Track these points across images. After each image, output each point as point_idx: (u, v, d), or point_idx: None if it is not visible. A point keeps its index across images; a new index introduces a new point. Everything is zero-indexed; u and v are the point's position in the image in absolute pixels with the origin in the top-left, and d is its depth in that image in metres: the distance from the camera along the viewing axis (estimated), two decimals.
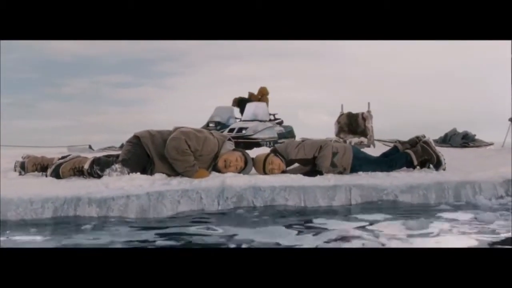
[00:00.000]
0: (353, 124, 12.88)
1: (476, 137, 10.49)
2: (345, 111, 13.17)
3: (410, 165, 4.47)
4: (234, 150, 4.14)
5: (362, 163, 4.32)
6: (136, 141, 4.01)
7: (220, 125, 12.58)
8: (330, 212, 3.39)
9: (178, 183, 3.63)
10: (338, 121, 13.04)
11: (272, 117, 13.19)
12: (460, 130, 10.76)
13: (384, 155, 4.61)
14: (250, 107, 12.24)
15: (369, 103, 13.23)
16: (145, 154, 3.95)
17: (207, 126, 12.52)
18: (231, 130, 11.40)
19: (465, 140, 10.11)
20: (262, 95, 13.80)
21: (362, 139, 12.14)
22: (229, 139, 4.21)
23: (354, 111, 13.09)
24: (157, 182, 3.67)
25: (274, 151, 4.29)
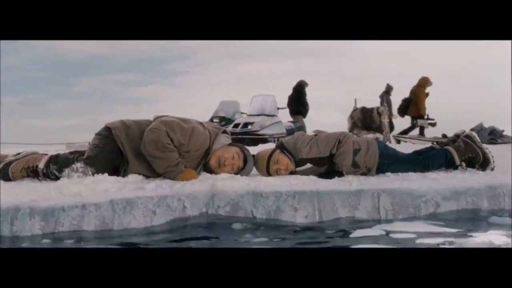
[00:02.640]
0: (367, 120, 11.98)
1: (504, 133, 9.56)
2: (358, 106, 12.29)
3: (450, 164, 3.60)
4: (230, 145, 3.30)
5: (390, 161, 3.45)
6: (107, 134, 3.19)
7: (225, 121, 11.72)
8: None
9: (154, 187, 2.80)
10: (352, 116, 12.16)
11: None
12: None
13: (418, 152, 3.74)
14: (256, 100, 11.35)
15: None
16: (117, 150, 3.13)
17: (211, 121, 11.68)
18: (236, 125, 10.55)
19: (493, 136, 9.18)
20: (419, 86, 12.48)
21: (378, 135, 11.23)
22: (224, 131, 3.37)
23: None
24: (129, 186, 2.84)
25: (281, 147, 3.43)
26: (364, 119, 11.99)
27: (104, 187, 2.75)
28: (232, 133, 10.02)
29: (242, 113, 12.29)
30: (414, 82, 12.43)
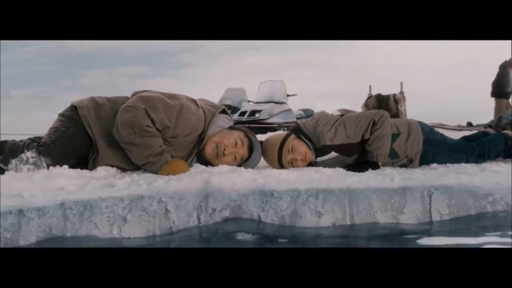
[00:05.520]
0: (383, 108, 11.11)
1: None
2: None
3: (511, 153, 2.84)
4: (231, 128, 2.56)
5: (437, 149, 2.70)
6: (71, 114, 2.47)
7: (231, 109, 10.94)
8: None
9: (127, 184, 2.07)
10: (366, 104, 11.33)
11: None
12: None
13: (468, 138, 2.98)
14: (264, 86, 10.55)
15: (401, 83, 11.56)
16: (83, 135, 2.40)
17: None
18: (243, 114, 9.78)
19: None
20: None
21: None
22: (223, 111, 2.63)
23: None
24: (94, 182, 2.11)
25: (297, 131, 2.69)
26: (380, 107, 11.15)
27: (59, 185, 2.04)
28: (238, 122, 9.30)
29: (249, 101, 11.51)
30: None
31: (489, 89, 8.37)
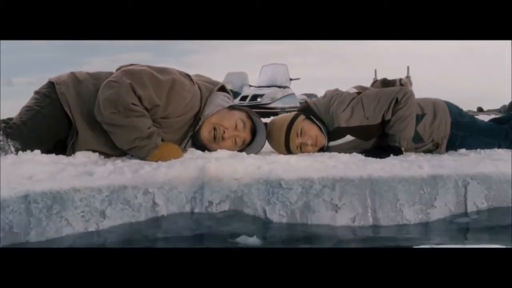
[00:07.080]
0: None
1: None
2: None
3: None
4: (231, 108, 2.24)
5: (467, 133, 2.39)
6: (48, 91, 2.16)
7: (232, 94, 10.64)
8: None
9: (108, 172, 1.75)
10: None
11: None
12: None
13: (498, 120, 2.66)
14: (267, 69, 10.19)
15: (408, 67, 11.23)
16: (61, 114, 2.09)
17: None
18: (244, 98, 9.45)
19: None
20: None
21: None
22: (222, 88, 2.31)
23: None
24: (70, 170, 1.79)
25: (306, 111, 2.36)
26: None
27: (28, 172, 1.72)
28: None
29: (250, 85, 11.19)
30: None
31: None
